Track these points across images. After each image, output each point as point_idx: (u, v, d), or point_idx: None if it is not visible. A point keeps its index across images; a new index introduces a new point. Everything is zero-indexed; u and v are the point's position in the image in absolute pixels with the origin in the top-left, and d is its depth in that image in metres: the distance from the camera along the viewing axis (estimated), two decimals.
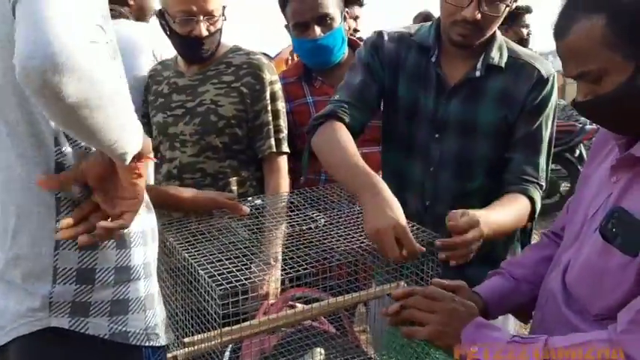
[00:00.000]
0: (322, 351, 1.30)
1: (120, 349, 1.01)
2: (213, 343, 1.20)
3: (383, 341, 1.18)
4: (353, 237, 1.28)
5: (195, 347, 1.21)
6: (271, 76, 1.85)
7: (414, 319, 1.09)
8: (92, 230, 0.94)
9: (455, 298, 1.11)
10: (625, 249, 0.98)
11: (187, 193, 1.52)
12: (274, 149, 1.83)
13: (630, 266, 0.97)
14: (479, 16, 1.41)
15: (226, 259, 1.19)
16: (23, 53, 0.75)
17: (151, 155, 0.99)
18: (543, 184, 1.51)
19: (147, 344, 1.03)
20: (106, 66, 0.83)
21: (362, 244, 1.24)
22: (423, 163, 1.57)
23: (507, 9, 1.45)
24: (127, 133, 0.89)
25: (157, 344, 1.06)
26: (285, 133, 1.86)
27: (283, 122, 1.86)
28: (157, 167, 1.92)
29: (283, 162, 1.85)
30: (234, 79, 1.81)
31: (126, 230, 0.99)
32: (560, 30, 1.03)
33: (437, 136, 1.55)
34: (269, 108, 1.83)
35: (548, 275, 1.18)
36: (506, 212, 1.41)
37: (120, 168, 0.94)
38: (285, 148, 1.85)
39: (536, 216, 1.50)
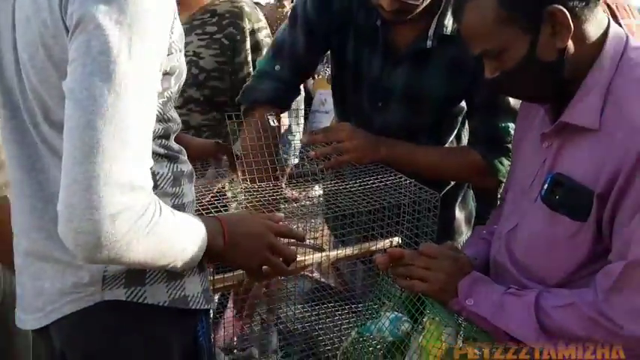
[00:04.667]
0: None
1: (176, 315, 0.96)
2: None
3: (378, 291, 1.20)
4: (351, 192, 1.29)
5: None
6: (253, 25, 1.78)
7: (412, 276, 1.10)
8: None
9: (450, 254, 1.13)
10: (573, 215, 0.98)
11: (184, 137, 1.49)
12: None
13: (582, 231, 0.98)
14: (397, 5, 1.27)
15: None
16: (63, 214, 0.76)
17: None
18: (509, 146, 1.39)
19: (205, 307, 0.99)
20: (155, 232, 0.81)
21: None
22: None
23: None
24: (183, 255, 0.88)
25: (211, 307, 1.03)
26: None
27: None
28: None
29: None
30: (216, 30, 1.75)
31: (182, 201, 0.99)
32: (457, 11, 1.04)
33: (380, 104, 1.47)
34: (249, 59, 1.77)
35: (492, 248, 1.19)
36: (434, 151, 1.43)
37: None
38: None
39: (499, 177, 1.43)
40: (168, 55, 0.87)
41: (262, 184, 1.30)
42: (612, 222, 0.95)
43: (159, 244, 0.82)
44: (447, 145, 1.55)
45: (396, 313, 1.13)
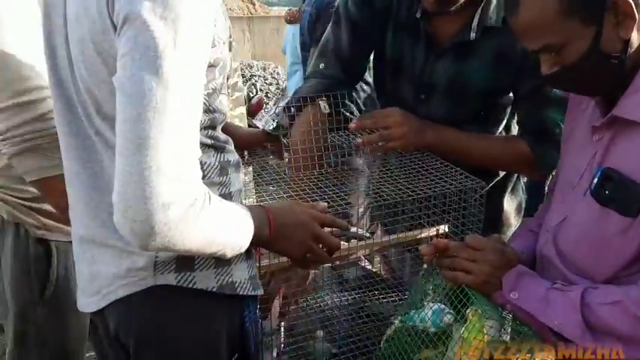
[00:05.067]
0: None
1: (224, 301, 0.99)
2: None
3: (420, 281, 1.20)
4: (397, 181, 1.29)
5: None
6: None
7: (457, 267, 1.10)
8: None
9: (496, 247, 1.11)
10: (623, 211, 0.95)
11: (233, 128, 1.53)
12: None
13: (632, 228, 0.95)
14: None
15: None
16: (118, 203, 0.79)
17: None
18: (559, 138, 1.30)
19: (252, 293, 1.02)
20: (204, 221, 0.84)
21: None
22: None
23: None
24: (231, 243, 0.92)
25: (258, 293, 1.05)
26: None
27: None
28: None
29: None
30: None
31: (229, 190, 1.02)
32: (512, 5, 0.99)
33: (422, 97, 1.45)
34: None
35: (539, 241, 1.17)
36: (482, 140, 1.41)
37: None
38: None
39: (547, 169, 1.41)
40: (212, 47, 0.89)
41: (307, 172, 1.31)
42: None
43: (208, 232, 0.86)
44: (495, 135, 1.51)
45: (439, 304, 1.13)
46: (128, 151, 0.78)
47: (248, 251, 1.01)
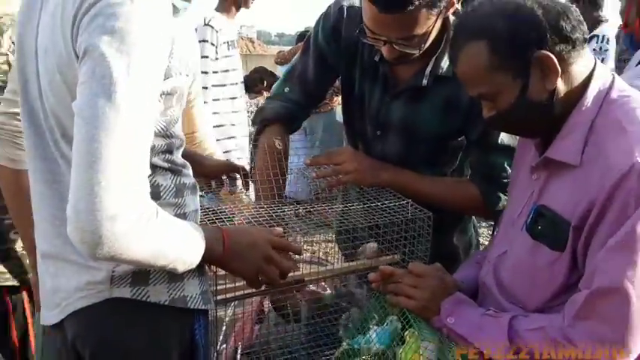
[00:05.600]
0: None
1: (176, 314, 1.05)
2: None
3: (370, 306, 1.27)
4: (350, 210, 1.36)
5: None
6: None
7: (400, 293, 1.17)
8: None
9: (437, 275, 1.19)
10: (552, 245, 1.04)
11: (200, 157, 1.59)
12: None
13: (559, 262, 1.03)
14: (396, 54, 1.35)
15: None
16: (71, 216, 0.85)
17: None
18: (506, 181, 1.41)
19: (203, 307, 1.08)
20: (151, 234, 0.89)
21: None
22: None
23: (437, 20, 1.30)
24: (180, 257, 0.97)
25: (209, 307, 1.11)
26: None
27: None
28: None
29: None
30: None
31: (184, 211, 1.08)
32: (453, 58, 1.12)
33: (379, 133, 1.54)
34: None
35: (482, 271, 1.24)
36: (435, 182, 1.49)
37: None
38: None
39: (494, 210, 1.46)
40: (166, 78, 0.97)
41: (267, 201, 1.38)
42: (586, 253, 1.00)
43: (155, 244, 0.91)
44: (447, 176, 1.59)
45: (382, 326, 1.19)
46: (81, 168, 0.85)
47: (201, 267, 1.08)
